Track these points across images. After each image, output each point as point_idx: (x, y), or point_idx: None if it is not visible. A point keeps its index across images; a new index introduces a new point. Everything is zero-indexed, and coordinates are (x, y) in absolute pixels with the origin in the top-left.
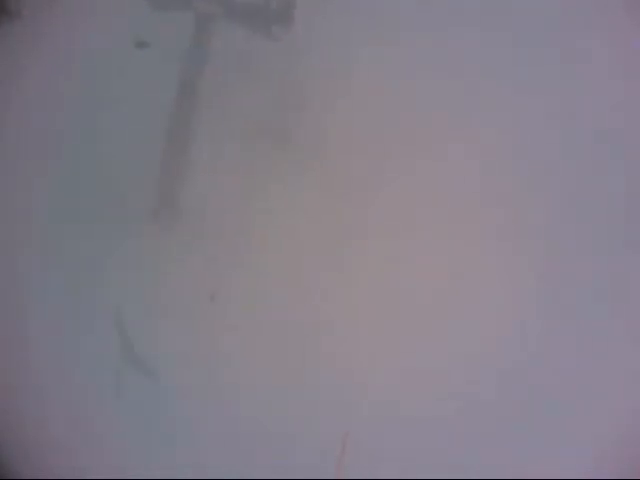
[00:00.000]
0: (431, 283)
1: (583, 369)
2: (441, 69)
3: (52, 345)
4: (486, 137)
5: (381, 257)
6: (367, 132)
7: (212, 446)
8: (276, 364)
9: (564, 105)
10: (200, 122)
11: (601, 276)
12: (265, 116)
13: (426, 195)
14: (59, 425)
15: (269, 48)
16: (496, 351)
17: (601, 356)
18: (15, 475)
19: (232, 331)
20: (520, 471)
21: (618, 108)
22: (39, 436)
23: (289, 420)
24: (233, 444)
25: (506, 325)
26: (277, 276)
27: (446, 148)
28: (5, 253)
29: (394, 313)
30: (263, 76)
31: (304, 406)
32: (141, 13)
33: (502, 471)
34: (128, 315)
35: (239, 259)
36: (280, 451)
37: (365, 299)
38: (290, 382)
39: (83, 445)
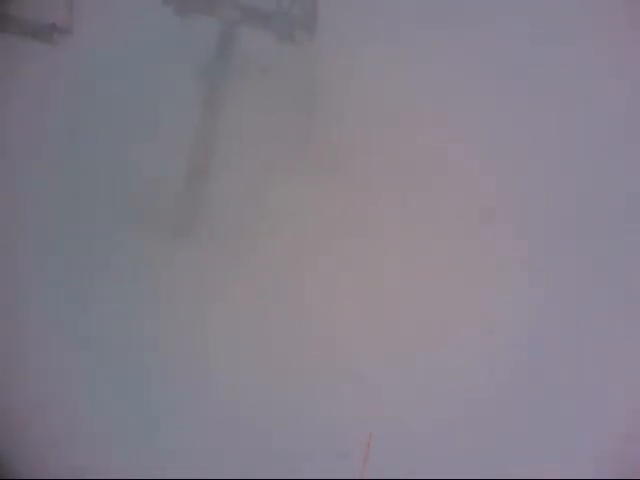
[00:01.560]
0: (436, 284)
1: (583, 370)
2: (455, 71)
3: (52, 346)
4: (492, 138)
5: (394, 256)
6: (383, 134)
7: (212, 446)
8: (282, 367)
9: (564, 105)
10: (222, 126)
11: (601, 276)
12: (285, 118)
13: (441, 195)
14: (59, 425)
15: (290, 52)
16: (496, 352)
17: (601, 357)
18: (15, 475)
19: (234, 333)
20: (520, 471)
21: (618, 108)
22: (39, 436)
23: (290, 421)
24: (233, 444)
25: (506, 326)
26: (291, 274)
27: (455, 147)
28: (7, 253)
29: (401, 313)
30: (283, 79)
31: (307, 407)
32: (168, 22)
33: (502, 471)
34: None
35: (251, 259)
36: (279, 452)
37: (374, 300)
38: (294, 384)
39: (82, 445)
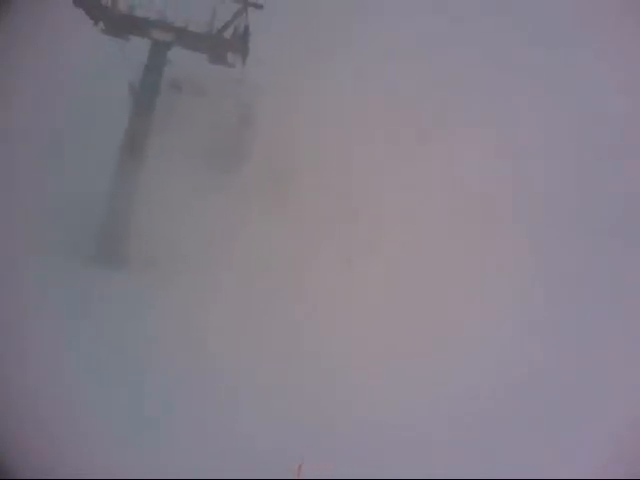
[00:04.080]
0: (430, 292)
1: (583, 370)
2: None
3: (51, 348)
4: (484, 139)
5: (378, 269)
6: (317, 155)
7: (211, 447)
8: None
9: (565, 105)
10: (155, 145)
11: (601, 276)
12: (217, 137)
13: (415, 208)
14: (59, 425)
15: (223, 74)
16: (496, 354)
17: (601, 357)
18: (15, 475)
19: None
20: (521, 472)
21: (619, 108)
22: (39, 436)
23: (287, 425)
24: (231, 446)
25: (506, 328)
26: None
27: (442, 156)
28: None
29: (396, 321)
30: (217, 100)
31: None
32: (99, 41)
33: (502, 472)
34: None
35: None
36: (279, 453)
37: (366, 308)
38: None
39: (82, 445)
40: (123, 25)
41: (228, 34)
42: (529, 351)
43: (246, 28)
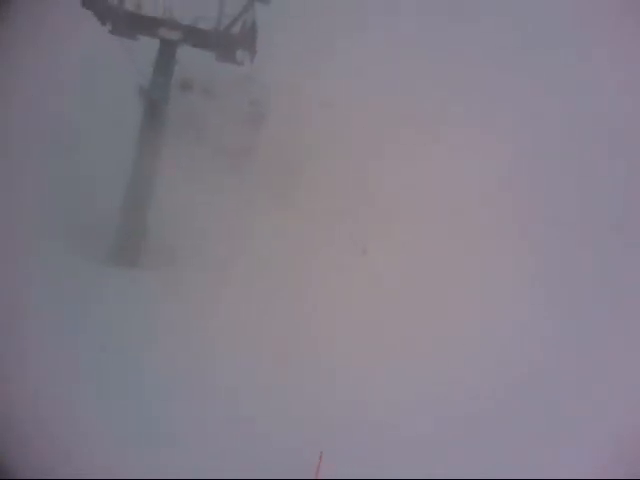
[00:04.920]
0: (430, 292)
1: (583, 371)
2: (420, 82)
3: (51, 348)
4: (484, 139)
5: (375, 270)
6: (327, 153)
7: (211, 447)
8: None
9: (564, 106)
10: (167, 145)
11: (601, 276)
12: (230, 136)
13: (422, 206)
14: (58, 425)
15: (233, 72)
16: (496, 354)
17: (601, 357)
18: (15, 475)
19: (232, 343)
20: (521, 472)
21: (618, 108)
22: (39, 436)
23: (286, 423)
24: (231, 445)
25: (506, 328)
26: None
27: (442, 154)
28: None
29: (395, 321)
30: (226, 98)
31: (300, 410)
32: (107, 40)
33: (502, 472)
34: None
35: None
36: (279, 453)
37: (366, 308)
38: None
39: (82, 445)
40: (130, 24)
41: (236, 30)
42: (529, 351)
43: (253, 24)
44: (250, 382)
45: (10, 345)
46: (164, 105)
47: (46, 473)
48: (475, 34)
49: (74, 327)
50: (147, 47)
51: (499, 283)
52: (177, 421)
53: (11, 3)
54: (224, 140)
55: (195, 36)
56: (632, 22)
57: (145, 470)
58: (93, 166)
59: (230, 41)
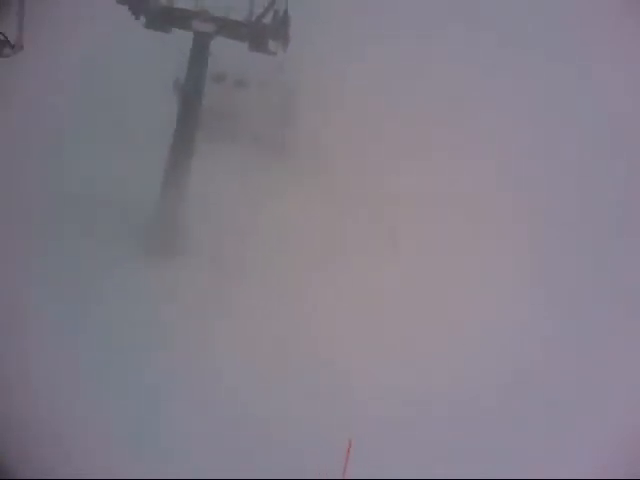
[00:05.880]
0: (430, 293)
1: (583, 371)
2: (437, 77)
3: (51, 349)
4: (487, 140)
5: (381, 267)
6: (363, 143)
7: (211, 447)
8: (276, 373)
9: (564, 106)
10: (201, 137)
11: (601, 276)
12: (263, 129)
13: (424, 205)
14: (59, 425)
15: (266, 62)
16: (496, 354)
17: (601, 358)
18: (15, 475)
19: (232, 343)
20: (521, 472)
21: (619, 109)
22: (39, 436)
23: (288, 424)
24: (231, 445)
25: (506, 328)
26: (278, 288)
27: (444, 155)
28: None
29: (396, 321)
30: (258, 88)
31: (303, 410)
32: (140, 36)
33: (502, 472)
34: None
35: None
36: (279, 453)
37: (367, 308)
38: (289, 387)
39: (82, 445)
40: (164, 18)
41: (268, 20)
42: (529, 351)
43: (285, 13)
44: (250, 381)
45: (10, 345)
46: (199, 97)
47: (46, 473)
48: (475, 34)
49: (74, 327)
50: (181, 40)
51: (499, 283)
52: (177, 421)
53: (11, 3)
54: (258, 131)
55: (228, 27)
56: (632, 22)
57: (145, 470)
58: (128, 160)
59: (262, 31)
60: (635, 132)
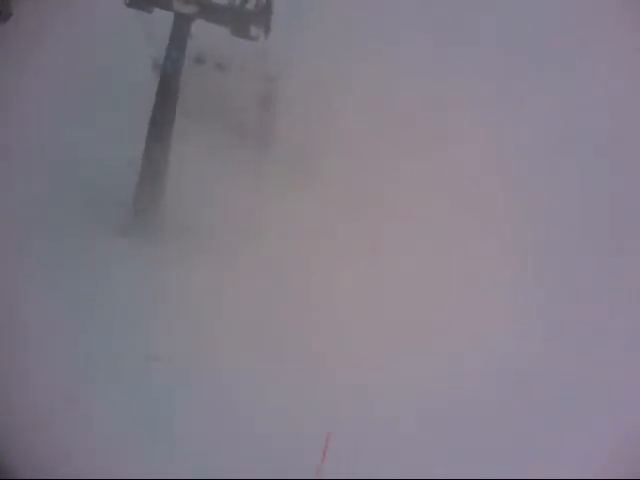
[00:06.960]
0: (430, 293)
1: (583, 372)
2: (433, 73)
3: (51, 349)
4: (485, 140)
5: (382, 268)
6: (358, 137)
7: (210, 447)
8: (274, 369)
9: (564, 106)
10: (180, 124)
11: (601, 276)
12: (243, 112)
13: (425, 205)
14: (59, 425)
15: (248, 48)
16: (497, 354)
17: (601, 358)
18: (15, 475)
19: (229, 337)
20: (521, 472)
21: (618, 109)
22: (39, 436)
23: (285, 422)
24: (232, 445)
25: (506, 328)
26: (276, 285)
27: (444, 155)
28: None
29: (397, 319)
30: (240, 74)
31: (298, 408)
32: (121, 14)
33: (502, 472)
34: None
35: (237, 266)
36: (274, 451)
37: (366, 308)
38: (287, 385)
39: (82, 445)
40: None
41: (251, 6)
42: (529, 350)
43: (269, 0)
44: (251, 381)
45: (10, 345)
46: (177, 78)
47: (46, 473)
48: (475, 34)
49: (74, 327)
50: (162, 20)
51: (499, 283)
52: (177, 421)
53: (11, 4)
54: (237, 116)
55: (210, 10)
56: (632, 22)
57: (145, 470)
58: (106, 141)
59: (245, 16)
60: (635, 133)
